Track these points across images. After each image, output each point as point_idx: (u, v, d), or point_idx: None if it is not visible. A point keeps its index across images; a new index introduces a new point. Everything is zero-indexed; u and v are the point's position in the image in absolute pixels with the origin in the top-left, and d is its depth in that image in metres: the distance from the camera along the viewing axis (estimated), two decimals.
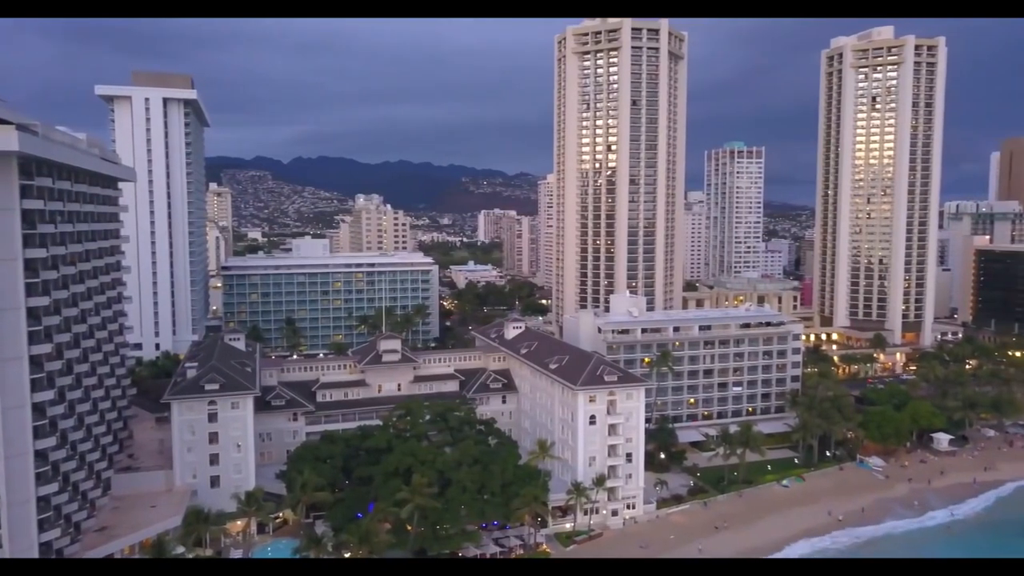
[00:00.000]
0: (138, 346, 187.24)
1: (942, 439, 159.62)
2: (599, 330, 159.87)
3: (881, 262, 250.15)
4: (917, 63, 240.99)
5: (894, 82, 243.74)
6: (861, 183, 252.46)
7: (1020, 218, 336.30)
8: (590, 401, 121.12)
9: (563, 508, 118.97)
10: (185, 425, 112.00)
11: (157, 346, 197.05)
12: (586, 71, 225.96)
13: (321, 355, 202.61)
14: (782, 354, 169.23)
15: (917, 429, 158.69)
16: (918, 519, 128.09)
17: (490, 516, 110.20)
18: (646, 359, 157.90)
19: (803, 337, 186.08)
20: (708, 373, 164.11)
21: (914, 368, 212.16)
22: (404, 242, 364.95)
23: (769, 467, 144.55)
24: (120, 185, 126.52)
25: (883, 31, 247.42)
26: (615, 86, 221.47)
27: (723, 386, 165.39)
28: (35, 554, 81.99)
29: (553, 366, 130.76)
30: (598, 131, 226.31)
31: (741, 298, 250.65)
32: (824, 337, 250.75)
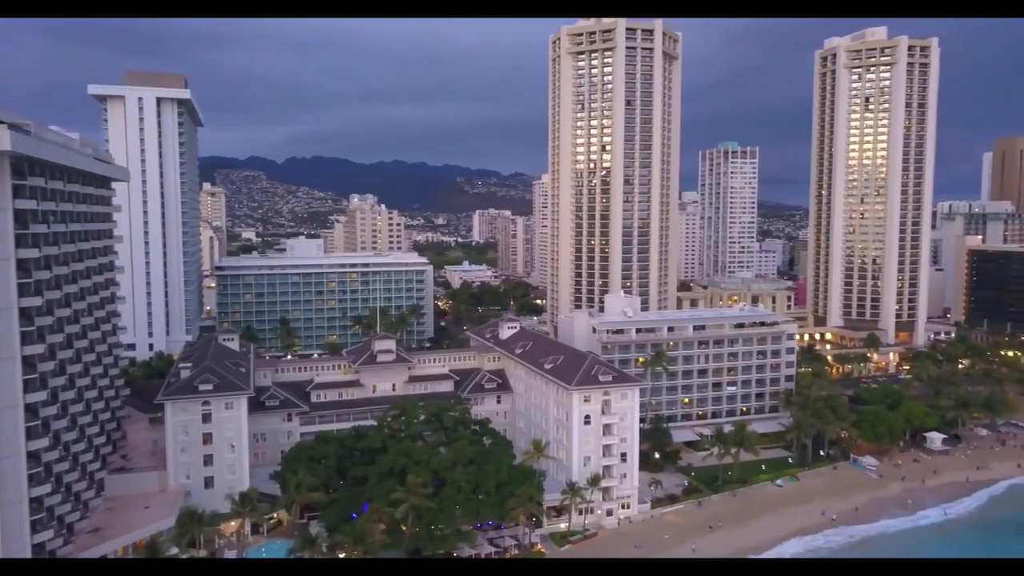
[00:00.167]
0: (131, 346, 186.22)
1: (935, 438, 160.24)
2: (594, 330, 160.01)
3: (874, 262, 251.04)
4: (910, 64, 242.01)
5: (887, 83, 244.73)
6: (855, 183, 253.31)
7: (1012, 218, 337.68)
8: (585, 401, 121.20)
9: (558, 508, 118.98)
10: (179, 425, 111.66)
11: (151, 346, 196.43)
12: (581, 71, 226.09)
13: (315, 355, 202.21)
14: (776, 354, 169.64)
15: (910, 428, 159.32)
16: (911, 518, 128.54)
17: (485, 516, 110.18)
18: (641, 359, 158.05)
19: (797, 337, 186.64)
20: (702, 373, 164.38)
21: (907, 368, 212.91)
22: (399, 242, 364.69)
23: (763, 467, 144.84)
24: (113, 185, 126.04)
25: (876, 32, 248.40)
26: (609, 86, 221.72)
27: (717, 386, 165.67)
28: (27, 555, 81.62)
29: (548, 366, 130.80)
30: (593, 131, 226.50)
31: (735, 298, 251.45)
32: (818, 337, 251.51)
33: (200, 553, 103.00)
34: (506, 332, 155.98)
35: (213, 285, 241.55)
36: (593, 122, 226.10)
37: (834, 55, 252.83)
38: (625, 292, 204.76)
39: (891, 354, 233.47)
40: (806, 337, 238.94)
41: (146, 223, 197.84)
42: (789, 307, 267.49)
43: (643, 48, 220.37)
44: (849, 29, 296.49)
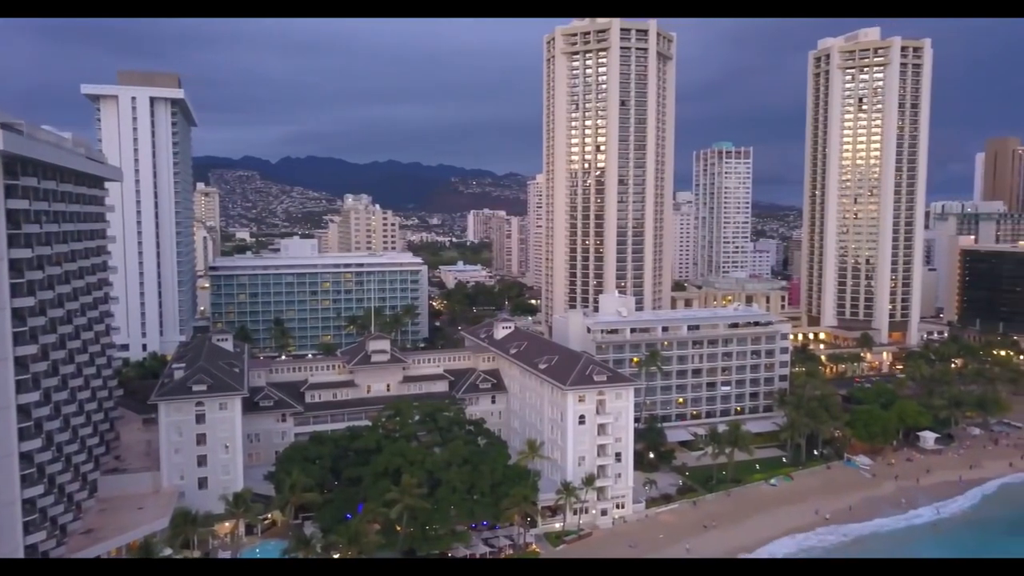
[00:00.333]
0: (125, 347, 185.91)
1: (928, 437, 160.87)
2: (588, 330, 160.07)
3: (868, 262, 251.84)
4: (903, 64, 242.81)
5: (880, 83, 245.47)
6: (848, 183, 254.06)
7: (1005, 218, 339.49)
8: (579, 401, 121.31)
9: (552, 508, 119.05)
10: (172, 426, 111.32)
11: (144, 347, 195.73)
12: (575, 71, 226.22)
13: (310, 355, 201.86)
14: (770, 353, 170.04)
15: (904, 428, 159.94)
16: (905, 517, 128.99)
17: (480, 516, 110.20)
18: (635, 359, 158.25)
19: (791, 337, 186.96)
20: (697, 373, 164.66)
21: (901, 367, 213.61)
22: (393, 242, 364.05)
23: (757, 466, 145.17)
24: (106, 185, 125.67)
25: (869, 32, 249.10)
26: (604, 86, 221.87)
27: (711, 385, 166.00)
28: (20, 557, 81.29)
29: (542, 366, 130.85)
30: (587, 131, 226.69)
31: (729, 298, 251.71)
32: (812, 336, 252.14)
33: (194, 554, 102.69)
34: (501, 332, 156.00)
35: (207, 285, 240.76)
36: (587, 122, 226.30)
37: (827, 55, 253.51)
38: (619, 292, 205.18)
39: (884, 354, 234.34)
40: (800, 337, 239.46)
41: (139, 223, 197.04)
42: (783, 307, 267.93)
43: (637, 48, 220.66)
44: (843, 29, 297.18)
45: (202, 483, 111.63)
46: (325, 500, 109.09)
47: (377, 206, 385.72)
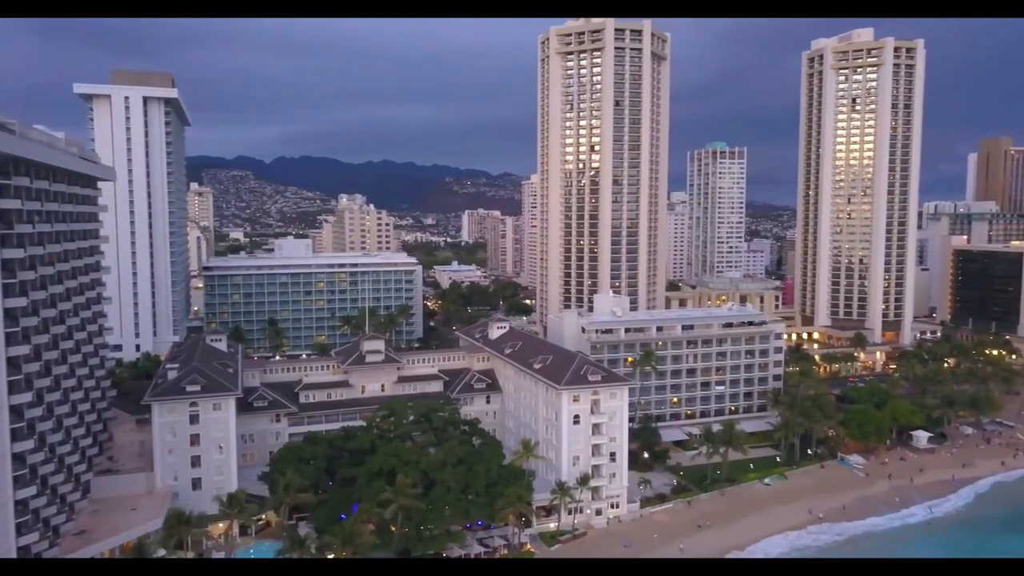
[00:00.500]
0: (118, 347, 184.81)
1: (921, 437, 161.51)
2: (583, 330, 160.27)
3: (861, 262, 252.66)
4: (896, 65, 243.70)
5: (874, 83, 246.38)
6: (841, 183, 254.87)
7: (997, 218, 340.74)
8: (574, 401, 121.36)
9: (547, 508, 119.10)
10: (166, 427, 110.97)
11: (138, 347, 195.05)
12: (569, 71, 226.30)
13: (304, 356, 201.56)
14: (764, 353, 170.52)
15: (897, 427, 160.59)
16: (899, 516, 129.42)
17: (474, 516, 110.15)
18: (629, 359, 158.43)
19: (785, 336, 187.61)
20: (691, 372, 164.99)
21: (894, 367, 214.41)
22: (387, 242, 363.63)
23: (751, 465, 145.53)
24: (100, 185, 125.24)
25: (863, 33, 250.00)
26: (598, 86, 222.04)
27: (706, 385, 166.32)
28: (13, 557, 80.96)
29: (537, 366, 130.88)
30: (581, 131, 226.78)
31: (723, 298, 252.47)
32: (805, 336, 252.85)
33: (188, 555, 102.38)
34: (495, 332, 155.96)
35: (201, 285, 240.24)
36: (582, 122, 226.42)
37: (821, 56, 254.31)
38: (614, 292, 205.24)
39: (878, 353, 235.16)
40: (794, 336, 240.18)
41: (133, 223, 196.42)
42: (777, 307, 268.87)
43: (632, 48, 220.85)
44: (838, 30, 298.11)
45: (196, 484, 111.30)
46: (319, 501, 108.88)
47: (371, 206, 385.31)
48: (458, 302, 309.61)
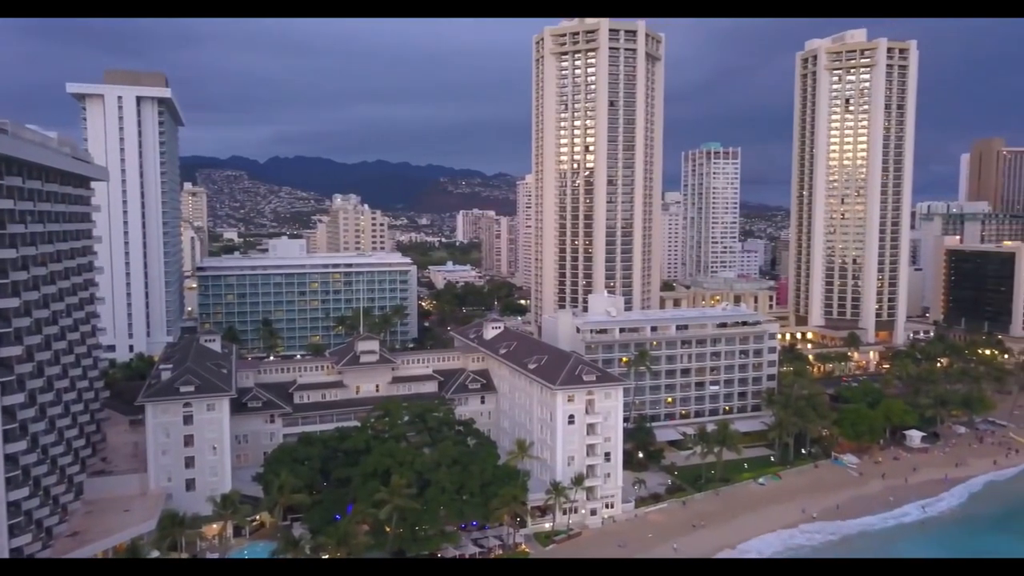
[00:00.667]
0: (111, 348, 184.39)
1: (914, 436, 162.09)
2: (577, 330, 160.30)
3: (855, 262, 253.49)
4: (889, 66, 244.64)
5: (867, 84, 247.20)
6: (835, 184, 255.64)
7: (989, 218, 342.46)
8: (569, 401, 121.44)
9: (542, 508, 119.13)
10: (160, 427, 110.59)
11: (131, 348, 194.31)
12: (564, 72, 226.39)
13: (298, 356, 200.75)
14: (758, 353, 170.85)
15: (890, 426, 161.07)
16: (892, 515, 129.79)
17: (469, 516, 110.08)
18: (624, 358, 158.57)
19: (779, 336, 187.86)
20: (685, 372, 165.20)
21: (887, 366, 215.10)
22: (382, 242, 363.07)
23: (746, 465, 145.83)
24: (93, 185, 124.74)
25: (856, 34, 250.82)
26: (593, 87, 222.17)
27: (700, 385, 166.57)
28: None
29: (532, 366, 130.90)
30: (576, 132, 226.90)
31: (718, 298, 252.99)
32: (799, 336, 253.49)
33: (182, 556, 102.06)
34: (490, 332, 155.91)
35: (194, 286, 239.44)
36: (576, 122, 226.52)
37: (815, 57, 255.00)
38: (609, 292, 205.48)
39: (871, 353, 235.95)
40: (788, 336, 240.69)
41: (126, 223, 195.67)
42: (771, 307, 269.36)
43: (626, 49, 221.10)
44: (833, 30, 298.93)
45: (190, 485, 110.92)
46: (314, 501, 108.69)
47: (366, 206, 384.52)
48: (453, 302, 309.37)
